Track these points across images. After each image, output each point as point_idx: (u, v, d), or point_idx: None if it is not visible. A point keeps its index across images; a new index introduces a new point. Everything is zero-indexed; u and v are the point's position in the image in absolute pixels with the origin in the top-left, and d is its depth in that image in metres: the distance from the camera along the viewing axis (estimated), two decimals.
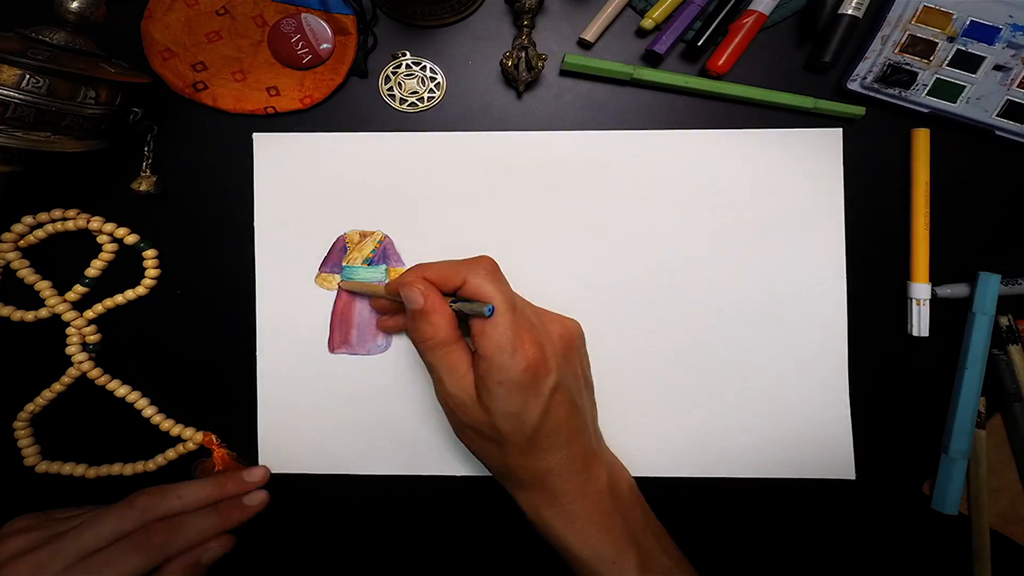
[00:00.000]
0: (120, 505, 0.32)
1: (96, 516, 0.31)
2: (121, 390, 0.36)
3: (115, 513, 0.31)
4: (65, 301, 0.35)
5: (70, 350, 0.35)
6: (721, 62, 0.34)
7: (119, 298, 0.36)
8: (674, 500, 0.36)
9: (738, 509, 0.36)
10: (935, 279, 0.35)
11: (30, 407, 0.36)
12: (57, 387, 0.36)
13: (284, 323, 0.35)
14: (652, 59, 0.35)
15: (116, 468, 0.36)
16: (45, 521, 0.32)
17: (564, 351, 0.30)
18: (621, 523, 0.30)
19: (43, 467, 0.36)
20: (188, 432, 0.36)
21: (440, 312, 0.28)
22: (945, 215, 0.35)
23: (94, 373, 0.36)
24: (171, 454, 0.36)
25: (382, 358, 0.36)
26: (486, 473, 0.36)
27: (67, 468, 0.36)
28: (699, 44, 0.34)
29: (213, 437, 0.36)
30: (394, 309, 0.34)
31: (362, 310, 0.36)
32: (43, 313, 0.35)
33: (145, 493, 0.32)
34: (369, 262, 0.35)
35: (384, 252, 0.35)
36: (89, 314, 0.36)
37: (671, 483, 0.36)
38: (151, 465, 0.36)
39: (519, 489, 0.30)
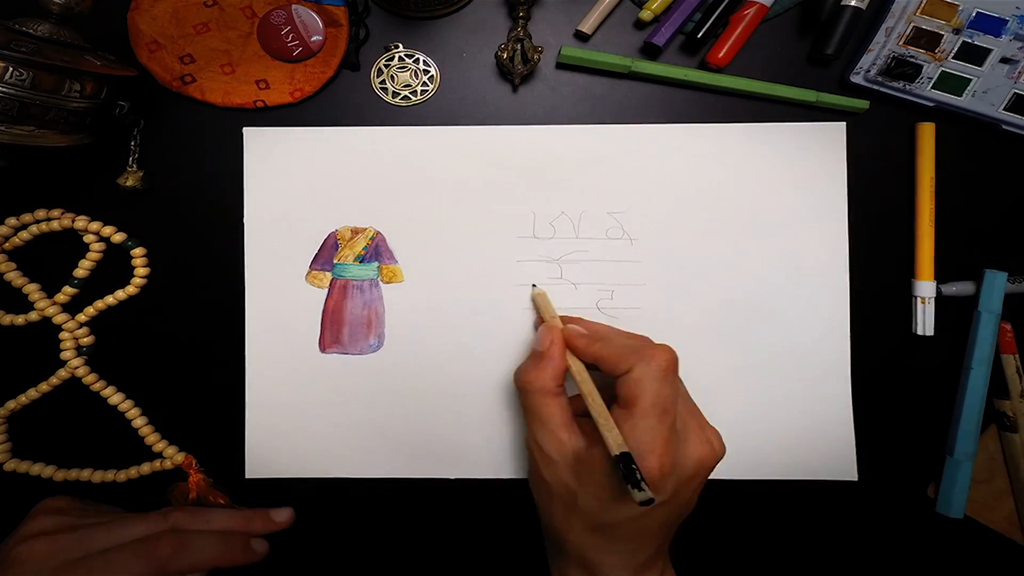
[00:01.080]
0: (154, 514, 0.32)
1: (127, 518, 0.32)
2: (115, 397, 0.36)
3: (146, 521, 0.32)
4: (55, 304, 0.35)
5: (66, 355, 0.35)
6: (721, 55, 0.34)
7: (110, 299, 0.36)
8: None
9: (738, 511, 0.36)
10: (940, 277, 0.35)
11: (11, 404, 0.36)
12: (44, 387, 0.36)
13: (273, 322, 0.35)
14: (651, 51, 0.35)
15: (85, 474, 0.36)
16: (81, 508, 0.33)
17: (690, 479, 0.28)
18: None
19: (11, 465, 0.36)
20: (170, 450, 0.36)
21: (555, 364, 0.29)
22: (950, 211, 0.35)
23: (89, 379, 0.36)
24: (146, 468, 0.36)
25: (375, 358, 0.36)
26: (481, 476, 0.36)
27: (36, 468, 0.36)
28: (699, 36, 0.34)
29: (193, 460, 0.36)
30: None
31: (353, 308, 0.36)
32: (34, 316, 0.35)
33: (180, 510, 0.33)
34: (361, 259, 0.35)
35: (376, 249, 0.35)
36: (82, 317, 0.36)
37: None
38: (122, 476, 0.36)
39: (561, 558, 0.30)
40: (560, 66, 0.35)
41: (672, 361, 0.28)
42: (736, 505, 0.36)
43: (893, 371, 0.36)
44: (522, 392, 0.29)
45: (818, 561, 0.36)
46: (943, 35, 0.33)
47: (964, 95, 0.34)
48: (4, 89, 0.28)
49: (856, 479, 0.35)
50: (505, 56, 0.34)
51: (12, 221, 0.35)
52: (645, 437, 0.26)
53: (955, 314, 0.35)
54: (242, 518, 0.34)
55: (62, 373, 0.36)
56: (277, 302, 0.35)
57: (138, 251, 0.35)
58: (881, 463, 0.36)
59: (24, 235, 0.35)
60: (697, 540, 0.36)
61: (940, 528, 0.36)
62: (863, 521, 0.36)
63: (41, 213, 0.35)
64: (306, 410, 0.36)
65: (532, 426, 0.29)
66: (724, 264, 0.35)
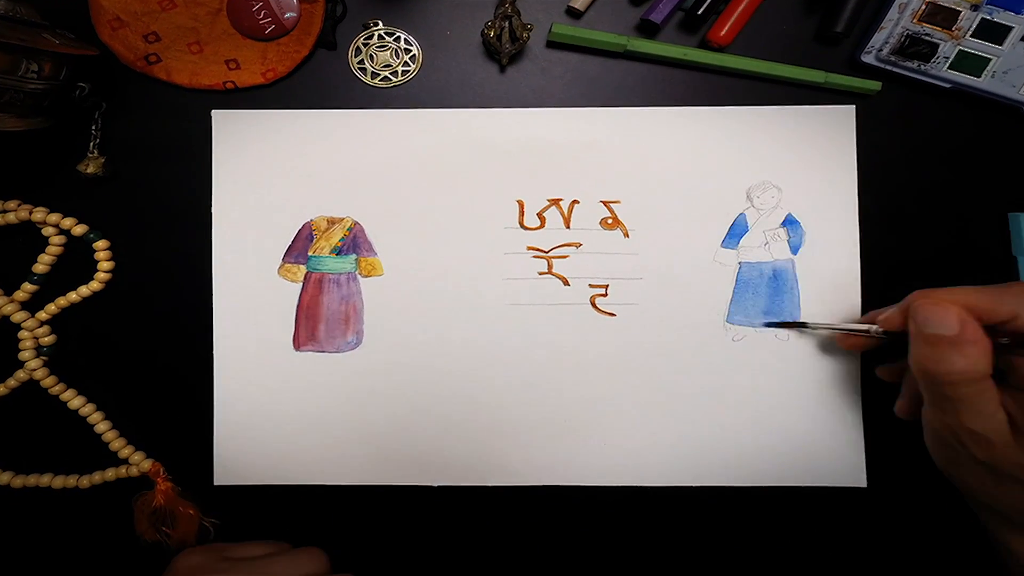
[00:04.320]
0: (309, 550, 0.34)
1: (289, 554, 0.34)
2: (75, 401, 0.36)
3: (308, 556, 0.34)
4: (13, 301, 0.35)
5: (24, 355, 0.35)
6: (723, 32, 0.34)
7: (72, 295, 0.36)
8: (675, 510, 0.36)
9: (742, 519, 0.36)
10: None
11: None
12: (1, 389, 0.36)
13: (244, 318, 0.36)
14: (648, 29, 0.35)
15: (45, 479, 0.36)
16: (219, 556, 0.34)
17: None
18: None
19: None
20: (136, 456, 0.36)
21: (980, 344, 0.26)
22: (969, 197, 0.35)
23: (48, 381, 0.36)
24: (110, 474, 0.36)
25: (352, 356, 0.36)
26: (465, 484, 0.36)
27: None
28: (699, 13, 0.34)
29: (161, 468, 0.36)
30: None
31: (330, 303, 0.36)
32: None
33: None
34: (338, 251, 0.35)
35: (354, 240, 0.36)
36: (42, 315, 0.36)
37: (672, 492, 0.36)
38: (84, 482, 0.36)
39: None
40: (551, 45, 0.35)
41: None
42: (741, 512, 0.36)
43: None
44: (951, 385, 0.27)
45: (825, 570, 0.36)
46: (960, 11, 0.33)
47: (983, 76, 0.34)
48: None
49: (865, 485, 0.36)
50: (492, 34, 0.34)
51: None
52: None
53: None
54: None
55: (20, 375, 0.36)
56: (248, 297, 0.35)
57: (101, 244, 0.35)
58: (892, 469, 0.36)
59: None
60: (702, 548, 0.36)
61: (951, 535, 0.36)
62: (872, 529, 0.36)
63: None
64: (279, 412, 0.36)
65: (957, 413, 0.27)
66: (725, 256, 0.35)
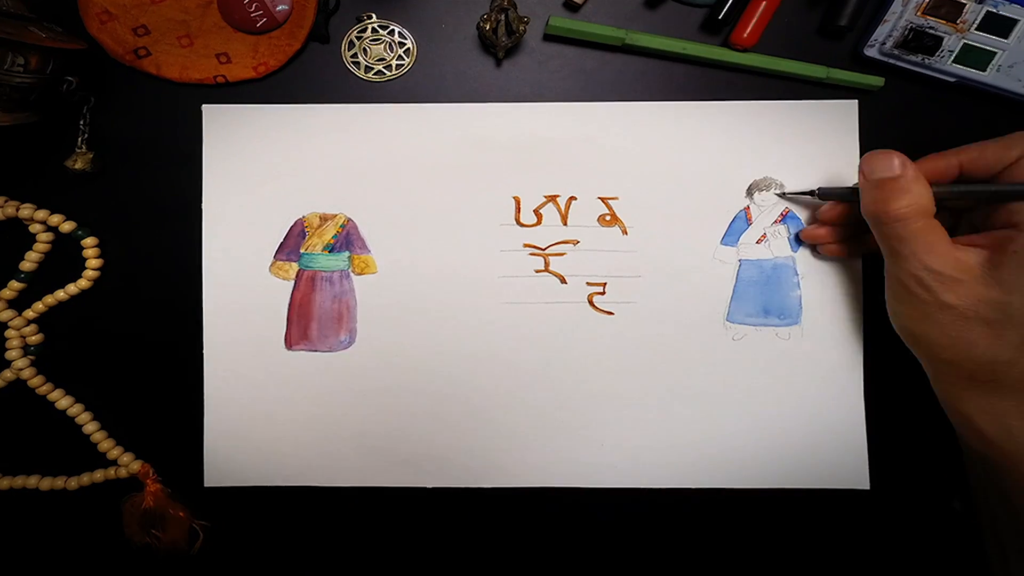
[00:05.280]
0: None
1: None
2: (63, 401, 0.36)
3: None
4: (0, 299, 0.35)
5: (11, 355, 0.35)
6: (747, 34, 0.34)
7: (60, 294, 0.36)
8: (674, 513, 0.36)
9: (743, 522, 0.36)
10: None
11: None
12: None
13: (235, 317, 0.35)
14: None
15: (32, 481, 0.36)
16: None
17: None
18: None
19: None
20: (126, 458, 0.36)
21: (920, 180, 0.29)
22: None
23: (35, 381, 0.36)
24: (99, 476, 0.36)
25: (345, 355, 0.36)
26: (460, 485, 0.36)
27: None
28: (720, 18, 0.34)
29: (150, 469, 0.36)
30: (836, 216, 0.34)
31: (322, 302, 0.36)
32: None
33: None
34: (330, 248, 0.35)
35: (347, 237, 0.35)
36: (29, 313, 0.36)
37: (671, 494, 0.36)
38: (72, 483, 0.36)
39: (987, 393, 0.29)
40: (548, 38, 0.35)
41: None
42: (742, 515, 0.36)
43: (909, 370, 0.36)
44: (894, 222, 0.29)
45: (827, 573, 0.36)
46: (965, 4, 0.33)
47: (988, 70, 0.34)
48: None
49: (868, 488, 0.36)
50: (488, 27, 0.34)
51: None
52: None
53: None
54: None
55: (7, 374, 0.36)
56: (239, 295, 0.35)
57: (89, 241, 0.35)
58: (895, 470, 0.36)
59: None
60: (702, 552, 0.36)
61: (957, 539, 0.36)
62: (876, 533, 0.36)
63: None
64: (270, 413, 0.36)
65: (915, 254, 0.28)
66: (726, 254, 0.35)
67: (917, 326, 0.30)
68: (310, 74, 0.36)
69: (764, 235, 0.35)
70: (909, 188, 0.28)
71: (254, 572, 0.36)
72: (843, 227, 0.34)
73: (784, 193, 0.35)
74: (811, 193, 0.34)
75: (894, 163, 0.29)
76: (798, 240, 0.35)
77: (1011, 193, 0.28)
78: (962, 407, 0.30)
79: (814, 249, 0.35)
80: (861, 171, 0.30)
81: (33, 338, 0.36)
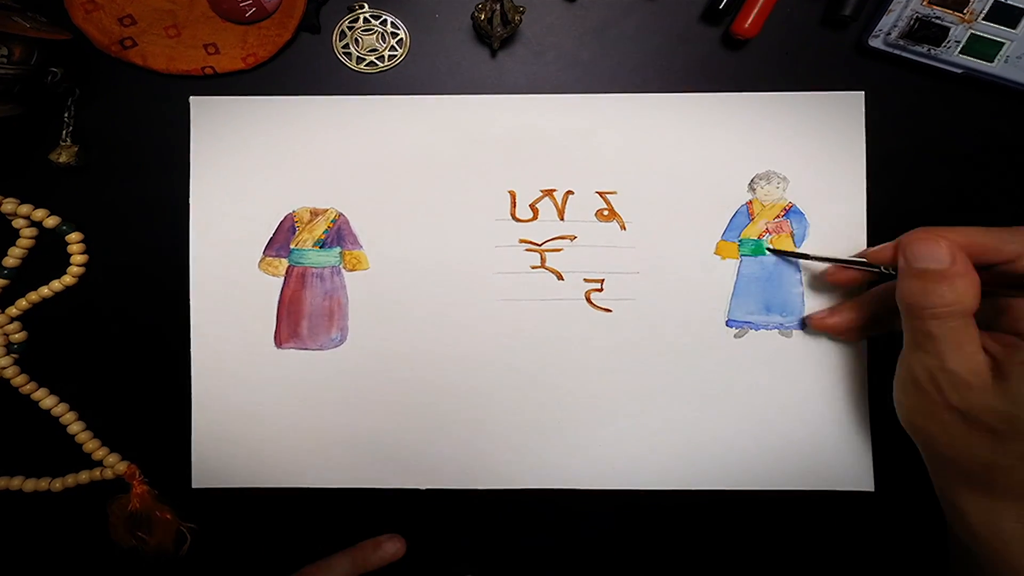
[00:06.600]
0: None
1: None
2: (47, 400, 0.36)
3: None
4: None
5: None
6: (748, 24, 0.34)
7: (45, 290, 0.36)
8: (674, 515, 0.36)
9: (744, 524, 0.36)
10: None
11: None
12: None
13: (223, 314, 0.35)
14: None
15: (16, 482, 0.36)
16: None
17: None
18: None
19: None
20: (111, 459, 0.36)
21: (969, 277, 0.27)
22: (982, 188, 0.35)
23: (19, 380, 0.36)
24: (84, 477, 0.36)
25: (336, 353, 0.36)
26: (454, 487, 0.36)
27: None
28: (720, 8, 0.34)
29: (137, 471, 0.36)
30: (851, 279, 0.33)
31: (313, 299, 0.36)
32: None
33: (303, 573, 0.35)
34: (321, 244, 0.35)
35: (338, 233, 0.35)
36: (12, 311, 0.36)
37: (670, 496, 0.36)
38: (57, 484, 0.36)
39: (983, 493, 0.29)
40: (545, 30, 0.35)
41: None
42: (743, 517, 0.36)
43: None
44: (930, 320, 0.28)
45: None
46: None
47: (995, 61, 0.33)
48: None
49: (873, 489, 0.36)
50: (483, 17, 0.34)
51: None
52: None
53: None
54: (359, 560, 0.35)
55: None
56: (227, 292, 0.35)
57: (74, 236, 0.35)
58: (900, 472, 0.35)
59: None
60: (702, 555, 0.36)
61: None
62: (880, 536, 0.36)
63: None
64: (259, 412, 0.36)
65: (940, 352, 0.28)
66: (728, 250, 0.35)
67: (920, 420, 0.30)
68: (300, 65, 0.35)
69: (766, 230, 0.35)
70: (955, 285, 0.27)
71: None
72: (858, 308, 0.33)
73: (795, 254, 0.35)
74: (824, 260, 0.34)
75: (943, 253, 0.27)
76: (801, 236, 0.35)
77: None
78: (957, 501, 0.30)
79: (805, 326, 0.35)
80: (903, 254, 0.28)
81: (16, 336, 0.36)
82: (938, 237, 0.28)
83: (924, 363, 0.28)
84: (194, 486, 0.36)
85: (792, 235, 0.35)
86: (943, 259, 0.27)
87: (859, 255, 0.33)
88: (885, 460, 0.35)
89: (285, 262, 0.36)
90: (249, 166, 0.35)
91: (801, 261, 0.35)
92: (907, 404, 0.30)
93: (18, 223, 0.35)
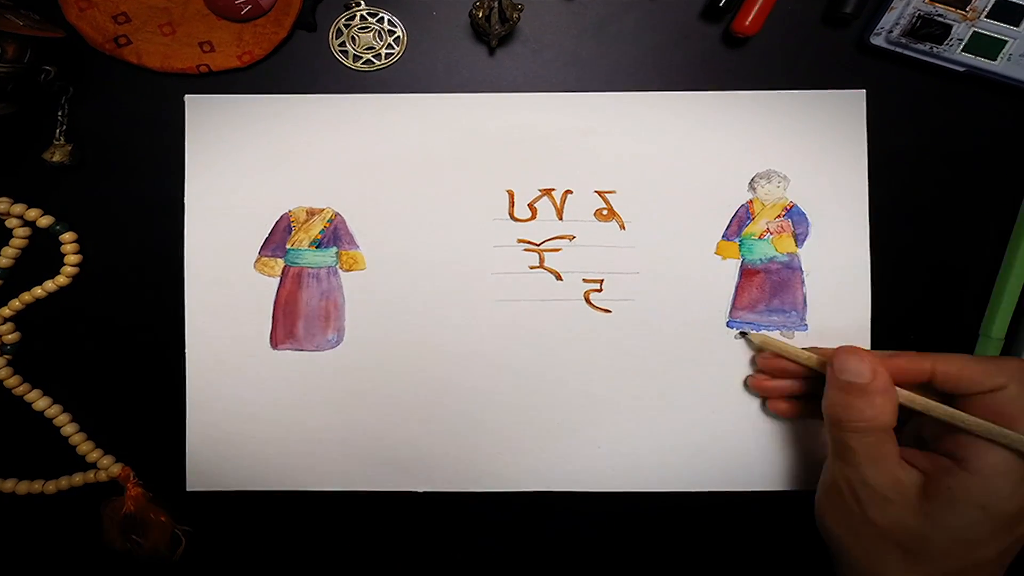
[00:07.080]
0: None
1: None
2: (41, 402, 0.36)
3: None
4: None
5: None
6: (748, 22, 0.33)
7: (38, 291, 0.36)
8: (674, 516, 0.36)
9: (744, 525, 0.36)
10: None
11: None
12: None
13: (218, 315, 0.35)
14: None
15: (9, 485, 0.36)
16: None
17: None
18: None
19: None
20: (105, 461, 0.36)
21: (888, 394, 0.28)
22: (986, 186, 0.35)
23: (12, 381, 0.36)
24: (77, 479, 0.36)
25: (333, 355, 0.35)
26: (451, 489, 0.36)
27: None
28: (721, 5, 0.34)
29: (131, 473, 0.36)
30: (784, 370, 0.34)
31: (309, 299, 0.35)
32: None
33: None
34: (317, 244, 0.35)
35: (335, 232, 0.35)
36: (5, 311, 0.35)
37: (670, 497, 0.36)
38: (50, 487, 0.36)
39: None
40: (544, 28, 0.35)
41: None
42: (743, 518, 0.36)
43: None
44: (849, 433, 0.29)
45: None
46: None
47: (998, 59, 0.33)
48: None
49: None
50: (480, 15, 0.34)
51: None
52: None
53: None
54: None
55: None
56: (222, 293, 0.35)
57: (67, 236, 0.35)
58: None
59: None
60: (702, 556, 0.36)
61: None
62: None
63: None
64: (255, 414, 0.36)
65: (858, 464, 0.28)
66: (727, 250, 0.35)
67: (837, 527, 0.30)
68: (297, 63, 0.35)
69: (767, 230, 0.35)
70: (874, 401, 0.28)
71: None
72: (794, 383, 0.34)
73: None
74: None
75: (865, 369, 0.29)
76: (804, 235, 0.35)
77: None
78: None
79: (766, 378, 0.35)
80: (830, 363, 0.30)
81: (9, 337, 0.36)
82: (865, 355, 0.29)
83: (845, 474, 0.29)
84: (189, 489, 0.36)
85: (793, 234, 0.35)
86: (864, 374, 0.29)
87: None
88: None
89: (281, 262, 0.35)
90: (245, 165, 0.35)
91: (803, 264, 0.35)
92: (827, 508, 0.31)
93: (11, 223, 0.35)
